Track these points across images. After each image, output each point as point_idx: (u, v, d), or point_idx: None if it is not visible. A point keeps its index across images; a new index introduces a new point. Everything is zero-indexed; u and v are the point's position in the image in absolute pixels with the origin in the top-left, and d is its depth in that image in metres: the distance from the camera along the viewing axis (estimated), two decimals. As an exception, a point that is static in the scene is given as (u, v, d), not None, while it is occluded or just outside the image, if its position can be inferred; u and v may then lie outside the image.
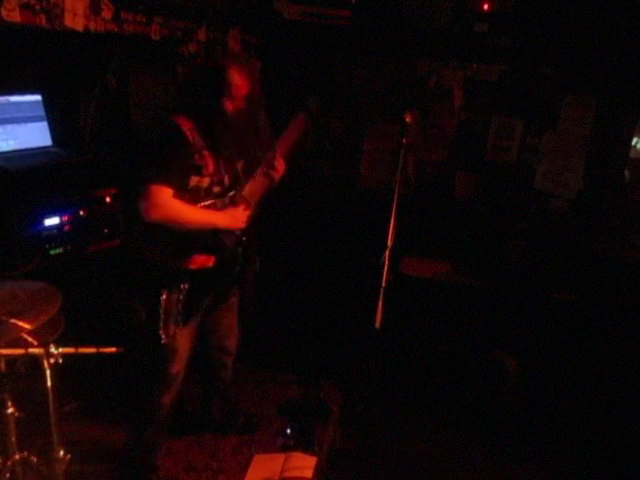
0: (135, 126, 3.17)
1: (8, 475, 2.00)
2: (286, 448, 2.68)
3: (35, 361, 1.80)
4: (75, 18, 2.52)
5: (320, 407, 2.95)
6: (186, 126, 2.04)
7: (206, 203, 2.15)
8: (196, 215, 2.13)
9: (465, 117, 3.97)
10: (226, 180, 2.19)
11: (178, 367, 2.28)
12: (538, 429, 3.13)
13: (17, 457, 2.02)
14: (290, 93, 4.06)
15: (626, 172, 3.77)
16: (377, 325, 2.34)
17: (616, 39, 3.49)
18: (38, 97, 2.74)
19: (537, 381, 3.33)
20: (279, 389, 3.21)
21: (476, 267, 3.68)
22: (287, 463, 2.53)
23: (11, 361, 1.93)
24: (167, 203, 2.01)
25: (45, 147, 2.74)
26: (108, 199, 2.77)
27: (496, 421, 3.16)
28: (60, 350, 1.76)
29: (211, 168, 2.12)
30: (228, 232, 2.22)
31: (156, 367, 2.28)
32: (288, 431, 2.75)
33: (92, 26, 2.62)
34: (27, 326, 1.78)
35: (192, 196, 2.10)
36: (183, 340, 2.24)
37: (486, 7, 3.69)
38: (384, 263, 2.33)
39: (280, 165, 2.28)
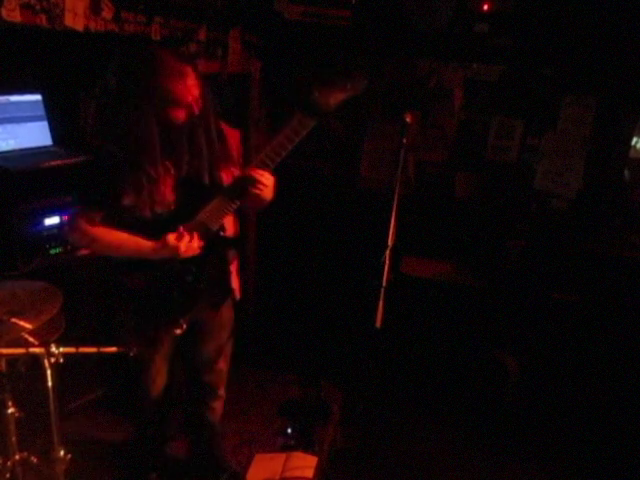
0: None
1: (8, 475, 2.00)
2: (286, 448, 2.68)
3: (35, 361, 1.80)
4: (75, 18, 2.52)
5: (320, 407, 2.95)
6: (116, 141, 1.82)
7: (145, 228, 1.84)
8: (121, 244, 1.86)
9: (465, 117, 3.97)
10: (170, 200, 1.87)
11: (150, 379, 2.18)
12: (538, 429, 3.13)
13: (17, 457, 2.02)
14: (290, 93, 4.07)
15: (626, 172, 3.77)
16: (377, 325, 2.34)
17: (616, 39, 3.49)
18: (38, 97, 2.74)
19: (537, 381, 3.33)
20: (279, 389, 3.21)
21: (476, 267, 3.68)
22: (288, 463, 2.53)
23: (11, 361, 1.93)
24: (83, 227, 1.84)
25: (45, 147, 2.74)
26: (108, 199, 2.76)
27: (496, 421, 3.16)
28: (61, 350, 1.76)
29: (150, 187, 1.81)
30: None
31: (133, 370, 2.23)
32: (289, 431, 2.75)
33: (92, 26, 2.61)
34: (28, 326, 1.78)
35: (129, 219, 1.84)
36: (151, 358, 2.12)
37: (486, 7, 3.69)
38: (384, 263, 2.32)
39: (264, 178, 1.84)
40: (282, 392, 3.17)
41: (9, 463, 2.00)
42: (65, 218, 1.89)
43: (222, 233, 1.96)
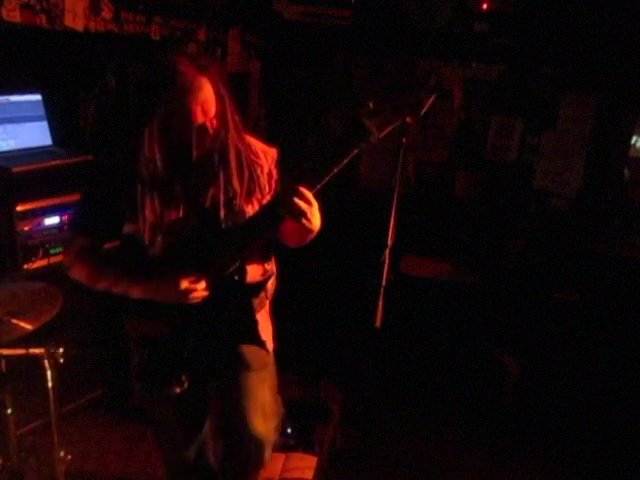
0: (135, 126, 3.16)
1: (8, 475, 2.00)
2: (286, 448, 2.67)
3: (35, 361, 1.80)
4: (75, 18, 2.52)
5: (320, 407, 2.95)
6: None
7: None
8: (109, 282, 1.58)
9: (465, 117, 3.97)
10: (176, 234, 1.55)
11: (179, 444, 1.93)
12: (538, 429, 3.13)
13: (17, 457, 2.02)
14: (290, 93, 4.07)
15: (626, 172, 3.77)
16: (377, 325, 2.34)
17: (616, 39, 3.49)
18: (38, 97, 2.74)
19: (537, 381, 3.32)
20: (279, 389, 3.21)
21: (476, 267, 3.67)
22: (287, 463, 2.53)
23: (11, 361, 1.93)
24: (73, 259, 1.61)
25: (45, 147, 2.74)
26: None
27: (496, 421, 3.16)
28: (61, 350, 1.76)
29: (155, 212, 1.52)
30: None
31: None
32: (288, 431, 2.75)
33: (92, 26, 2.62)
34: (28, 326, 1.78)
35: (129, 250, 1.58)
36: (164, 420, 1.90)
37: (486, 7, 3.69)
38: (384, 262, 2.32)
39: (304, 199, 1.46)
40: (282, 392, 3.17)
41: (9, 463, 2.00)
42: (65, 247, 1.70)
43: (239, 277, 1.59)
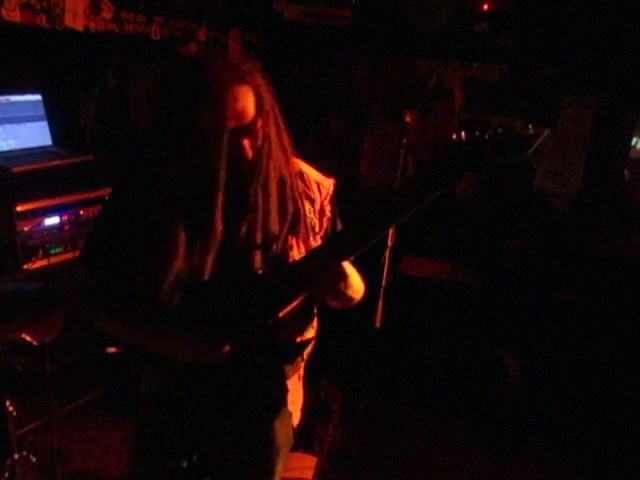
0: (135, 126, 3.17)
1: (8, 475, 2.00)
2: (286, 448, 2.67)
3: (35, 361, 1.80)
4: (75, 18, 2.52)
5: (320, 407, 2.95)
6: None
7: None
8: (127, 328, 1.34)
9: (465, 117, 3.97)
10: (205, 272, 1.23)
11: None
12: (538, 429, 3.13)
13: (17, 457, 2.02)
14: (290, 93, 4.06)
15: (626, 172, 3.76)
16: (377, 325, 2.34)
17: (616, 39, 3.49)
18: (38, 97, 2.74)
19: (537, 381, 3.32)
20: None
21: (476, 267, 3.67)
22: (287, 463, 2.53)
23: (11, 361, 1.93)
24: (83, 294, 1.38)
25: (45, 147, 2.74)
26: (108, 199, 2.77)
27: (496, 421, 3.16)
28: (60, 350, 1.76)
29: (180, 250, 1.21)
30: None
31: None
32: (288, 431, 2.75)
33: (92, 26, 2.62)
34: (27, 326, 1.78)
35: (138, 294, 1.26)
36: None
37: (486, 7, 3.69)
38: (384, 263, 2.33)
39: (336, 277, 1.28)
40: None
41: (9, 463, 2.00)
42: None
43: (272, 337, 1.35)
